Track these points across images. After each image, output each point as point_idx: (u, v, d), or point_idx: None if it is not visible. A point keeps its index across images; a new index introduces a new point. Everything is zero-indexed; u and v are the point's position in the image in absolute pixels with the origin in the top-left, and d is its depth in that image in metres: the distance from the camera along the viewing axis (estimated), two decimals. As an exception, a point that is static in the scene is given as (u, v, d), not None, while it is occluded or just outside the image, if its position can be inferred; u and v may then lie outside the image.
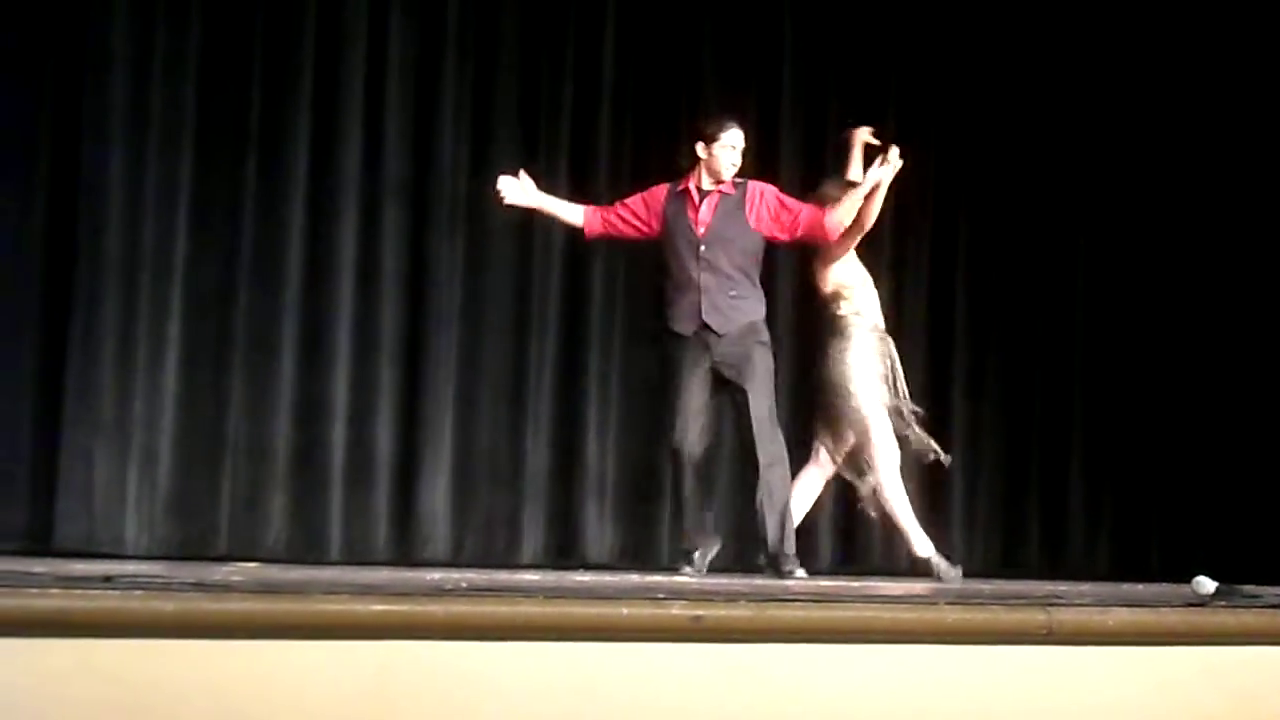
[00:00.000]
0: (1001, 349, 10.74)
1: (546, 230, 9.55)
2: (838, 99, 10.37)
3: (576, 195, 9.35)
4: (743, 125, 7.73)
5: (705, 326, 7.52)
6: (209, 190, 8.95)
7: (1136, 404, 10.91)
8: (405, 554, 9.05)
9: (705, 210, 7.60)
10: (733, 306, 7.54)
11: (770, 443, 7.48)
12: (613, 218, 7.87)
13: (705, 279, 7.54)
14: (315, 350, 9.12)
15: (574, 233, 8.24)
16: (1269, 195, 10.84)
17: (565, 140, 9.73)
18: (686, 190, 7.69)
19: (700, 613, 4.27)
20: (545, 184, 9.44)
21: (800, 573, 7.38)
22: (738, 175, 7.66)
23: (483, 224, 9.44)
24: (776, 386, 7.65)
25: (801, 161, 10.06)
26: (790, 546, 7.44)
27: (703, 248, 7.57)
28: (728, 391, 7.57)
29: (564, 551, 9.50)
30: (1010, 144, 10.70)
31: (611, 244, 9.04)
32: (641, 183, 9.61)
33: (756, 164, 8.88)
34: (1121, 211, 10.94)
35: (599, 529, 9.69)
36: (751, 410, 7.45)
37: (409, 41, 9.38)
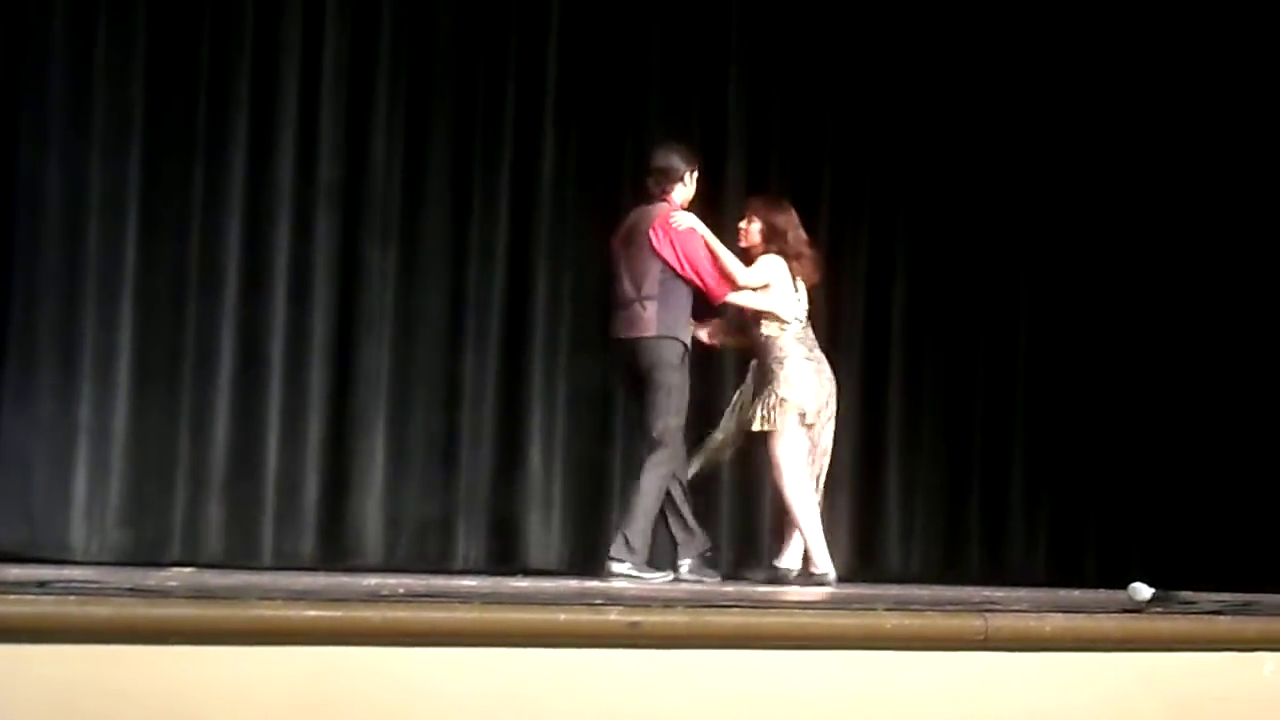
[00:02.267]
0: (941, 355, 10.76)
1: (487, 235, 9.55)
2: (780, 107, 10.41)
3: (517, 204, 9.39)
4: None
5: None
6: (155, 197, 8.91)
7: (1076, 411, 10.96)
8: (337, 560, 9.01)
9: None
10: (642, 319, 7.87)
11: (663, 455, 7.84)
12: None
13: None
14: (252, 357, 9.08)
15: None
16: (1206, 205, 10.94)
17: (507, 151, 9.70)
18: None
19: (637, 619, 4.27)
20: (484, 194, 9.48)
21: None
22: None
23: (419, 229, 9.42)
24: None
25: (745, 170, 10.10)
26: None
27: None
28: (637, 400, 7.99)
29: (508, 559, 9.48)
30: (950, 147, 10.73)
31: (555, 250, 9.23)
32: (585, 193, 9.67)
33: (700, 176, 8.87)
34: (1064, 219, 10.98)
35: (544, 536, 9.66)
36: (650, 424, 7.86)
37: (343, 48, 9.35)
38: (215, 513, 8.92)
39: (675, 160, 8.04)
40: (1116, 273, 11.04)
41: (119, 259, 8.80)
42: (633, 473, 8.09)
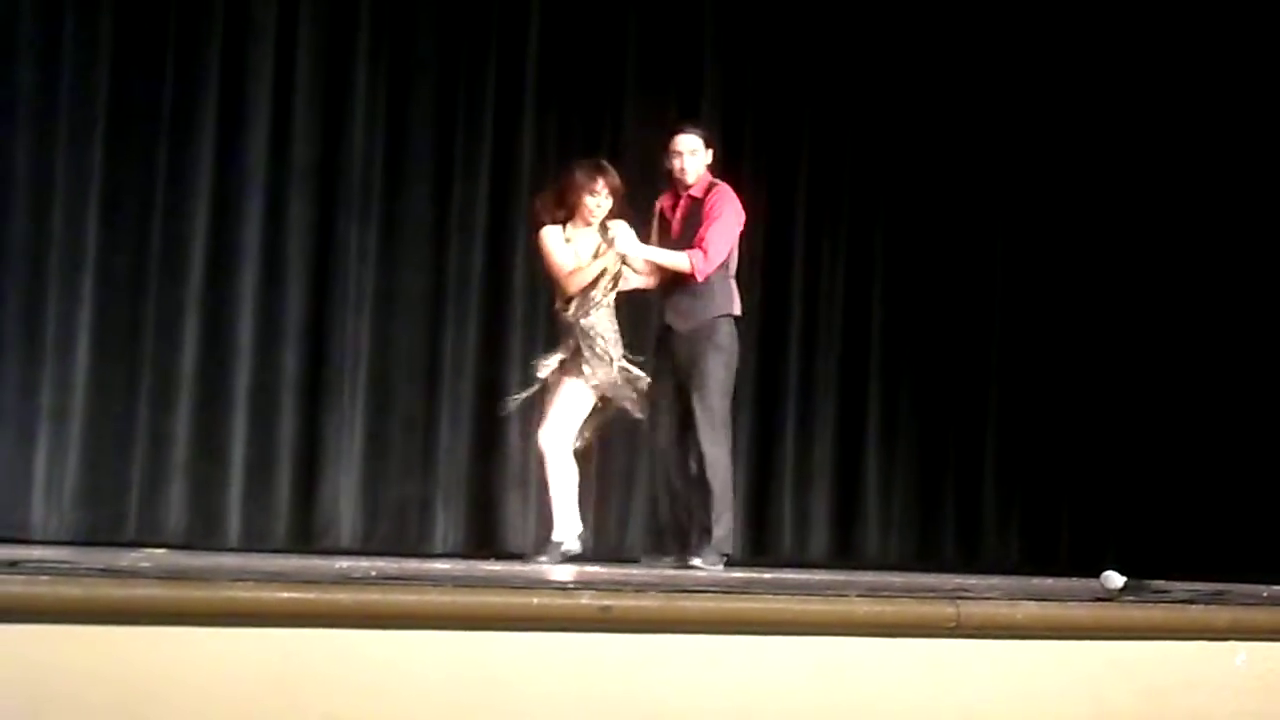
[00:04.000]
0: (917, 346, 10.79)
1: (467, 217, 9.53)
2: (753, 104, 10.41)
3: (498, 187, 9.35)
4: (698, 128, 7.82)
5: (666, 326, 7.66)
6: (120, 175, 8.88)
7: (1050, 401, 11.00)
8: (307, 541, 9.00)
9: (679, 213, 7.67)
10: (690, 307, 7.52)
11: (710, 444, 7.52)
12: None
13: (671, 280, 7.59)
14: (219, 337, 9.06)
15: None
16: (1175, 201, 11.01)
17: (488, 129, 9.68)
18: (674, 191, 7.76)
19: (609, 603, 4.25)
20: (464, 172, 9.44)
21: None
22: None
23: (399, 208, 9.40)
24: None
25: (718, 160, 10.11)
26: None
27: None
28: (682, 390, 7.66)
29: (484, 542, 9.46)
30: (925, 139, 10.79)
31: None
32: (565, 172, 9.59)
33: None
34: (1038, 213, 11.04)
35: (522, 519, 9.63)
36: (696, 410, 7.54)
37: (320, 25, 9.32)
38: (179, 493, 8.89)
39: None
40: (1089, 263, 11.10)
41: (82, 238, 8.76)
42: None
